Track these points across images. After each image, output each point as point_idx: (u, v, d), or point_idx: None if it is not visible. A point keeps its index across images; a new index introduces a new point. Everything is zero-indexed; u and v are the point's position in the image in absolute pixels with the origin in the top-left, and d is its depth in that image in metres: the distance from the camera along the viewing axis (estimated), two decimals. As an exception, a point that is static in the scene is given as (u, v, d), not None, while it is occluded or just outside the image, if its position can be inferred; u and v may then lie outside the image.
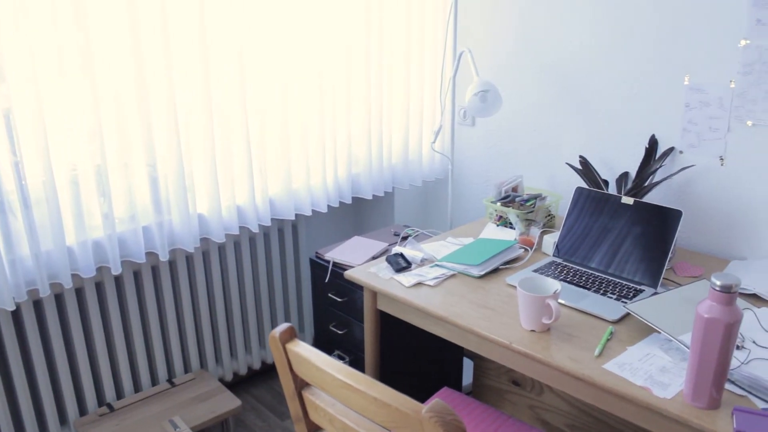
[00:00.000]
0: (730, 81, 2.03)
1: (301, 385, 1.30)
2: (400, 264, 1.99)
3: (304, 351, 1.20)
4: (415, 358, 2.36)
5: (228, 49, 2.15)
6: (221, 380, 2.69)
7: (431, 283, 1.90)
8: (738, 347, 1.49)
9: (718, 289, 1.24)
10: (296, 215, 2.67)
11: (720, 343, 1.26)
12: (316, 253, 2.37)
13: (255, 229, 2.38)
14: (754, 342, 1.53)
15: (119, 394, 2.37)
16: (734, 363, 1.43)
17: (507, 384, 2.39)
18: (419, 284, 1.90)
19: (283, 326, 1.25)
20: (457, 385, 2.64)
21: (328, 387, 1.16)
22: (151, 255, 2.28)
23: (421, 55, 2.69)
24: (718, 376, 1.30)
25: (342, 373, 1.11)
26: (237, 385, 2.83)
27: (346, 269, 2.11)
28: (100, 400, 2.33)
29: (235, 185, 2.32)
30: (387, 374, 2.25)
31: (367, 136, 2.59)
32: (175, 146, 2.10)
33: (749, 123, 2.02)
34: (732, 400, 1.37)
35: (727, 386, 1.40)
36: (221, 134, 2.22)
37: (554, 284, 1.62)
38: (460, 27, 2.69)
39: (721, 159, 2.10)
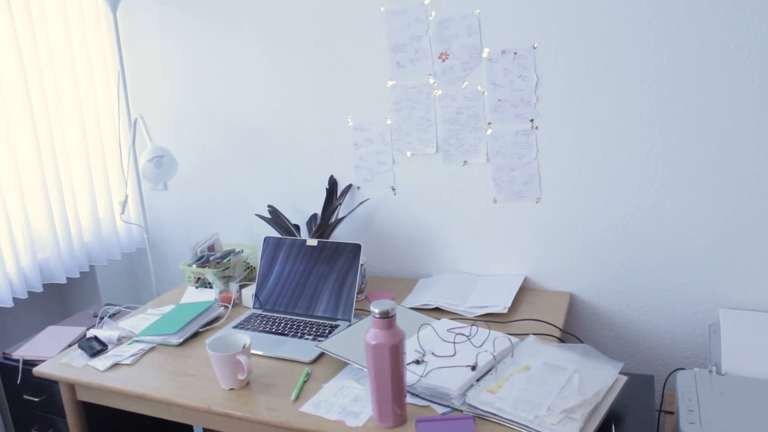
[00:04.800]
0: (387, 118, 2.22)
1: None
2: (95, 348, 1.88)
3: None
4: (137, 441, 2.24)
5: None
6: None
7: (129, 361, 1.82)
8: (418, 362, 1.62)
9: (377, 316, 1.33)
10: (-22, 316, 2.42)
11: (390, 364, 1.35)
12: (4, 353, 2.16)
13: (-74, 342, 2.11)
14: (433, 353, 1.66)
15: None
16: (414, 378, 1.54)
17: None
18: (116, 365, 1.81)
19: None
20: (191, 456, 2.54)
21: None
22: None
23: (97, 125, 2.59)
24: (397, 394, 1.40)
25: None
26: None
27: (39, 364, 1.95)
28: None
29: None
30: (105, 466, 2.11)
31: (49, 217, 2.43)
32: None
33: (409, 153, 2.22)
34: (417, 411, 1.48)
35: (412, 400, 1.51)
36: None
37: (243, 339, 1.63)
38: (134, 93, 2.65)
39: (393, 189, 2.28)
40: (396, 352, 1.34)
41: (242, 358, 1.56)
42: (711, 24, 1.78)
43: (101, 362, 1.83)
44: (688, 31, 1.81)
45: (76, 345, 1.94)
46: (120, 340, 1.96)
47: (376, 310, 1.33)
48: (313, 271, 2.03)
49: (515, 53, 2.00)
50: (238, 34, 2.39)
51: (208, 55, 2.46)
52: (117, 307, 2.33)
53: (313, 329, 1.90)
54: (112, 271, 2.92)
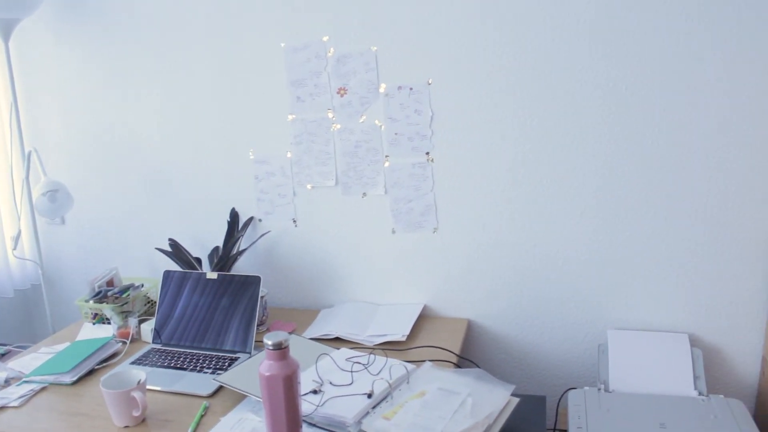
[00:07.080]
0: (287, 151, 2.25)
1: None
2: (-20, 390, 1.82)
3: None
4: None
5: None
6: None
7: (16, 403, 1.76)
8: (315, 392, 1.64)
9: (271, 348, 1.35)
10: None
11: (284, 394, 1.37)
12: None
13: None
14: (330, 383, 1.69)
15: None
16: (311, 408, 1.56)
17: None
18: (2, 408, 1.75)
19: None
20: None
21: None
22: None
23: (-11, 159, 2.52)
24: (292, 424, 1.41)
25: None
26: None
27: None
28: None
29: None
30: None
31: (-65, 255, 2.34)
32: None
33: (309, 186, 2.26)
34: (314, 442, 1.50)
35: (309, 430, 1.53)
36: None
37: (139, 375, 1.61)
38: (28, 126, 2.58)
39: (294, 221, 2.31)
40: (290, 382, 1.36)
41: (137, 395, 1.54)
42: (598, 63, 1.90)
43: (-14, 406, 1.77)
44: (575, 66, 1.93)
45: (-38, 389, 1.87)
46: (8, 382, 1.89)
47: (269, 342, 1.34)
48: (215, 305, 2.02)
49: (411, 89, 2.08)
50: (136, 67, 2.38)
51: (106, 88, 2.44)
52: (6, 347, 2.25)
53: (213, 362, 1.89)
54: (4, 309, 2.82)
